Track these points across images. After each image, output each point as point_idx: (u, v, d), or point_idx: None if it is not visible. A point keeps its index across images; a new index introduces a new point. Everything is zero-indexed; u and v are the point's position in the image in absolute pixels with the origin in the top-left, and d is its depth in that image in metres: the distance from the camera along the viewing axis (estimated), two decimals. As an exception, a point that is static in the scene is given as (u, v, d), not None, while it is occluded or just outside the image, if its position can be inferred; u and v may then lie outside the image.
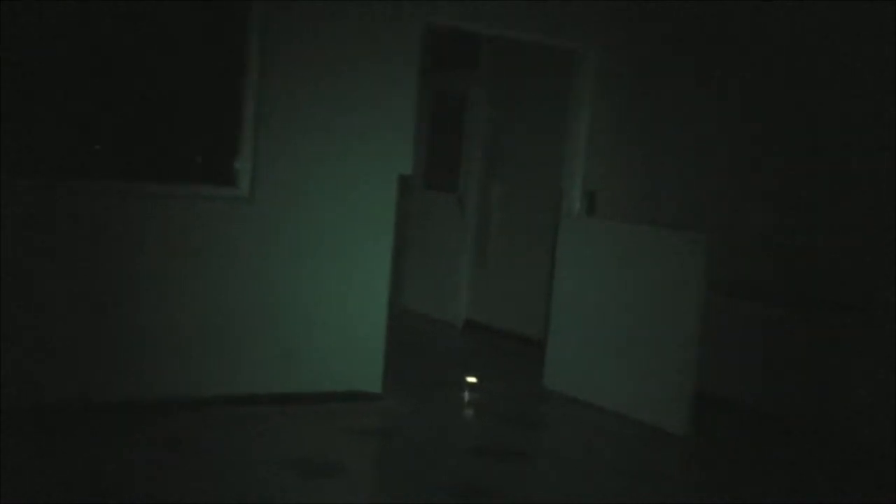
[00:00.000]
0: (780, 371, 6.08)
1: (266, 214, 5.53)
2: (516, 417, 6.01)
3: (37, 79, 4.89)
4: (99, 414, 5.05)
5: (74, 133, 5.05)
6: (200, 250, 5.36)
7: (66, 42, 4.94)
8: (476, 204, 8.86)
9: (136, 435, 4.87)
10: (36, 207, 4.91)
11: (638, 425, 5.86)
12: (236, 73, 5.41)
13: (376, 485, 4.84)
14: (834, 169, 5.88)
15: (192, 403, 5.35)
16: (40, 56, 4.89)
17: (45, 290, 4.98)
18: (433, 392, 6.45)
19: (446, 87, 9.18)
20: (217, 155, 5.46)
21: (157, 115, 5.26)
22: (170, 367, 5.32)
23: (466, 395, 6.49)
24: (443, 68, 9.03)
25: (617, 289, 6.15)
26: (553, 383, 6.62)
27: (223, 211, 5.42)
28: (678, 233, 5.85)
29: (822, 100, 5.97)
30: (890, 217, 5.54)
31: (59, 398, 5.01)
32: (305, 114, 5.59)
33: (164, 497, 4.08)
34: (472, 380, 6.73)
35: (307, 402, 5.68)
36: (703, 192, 6.73)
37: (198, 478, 4.38)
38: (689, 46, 6.86)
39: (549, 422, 6.23)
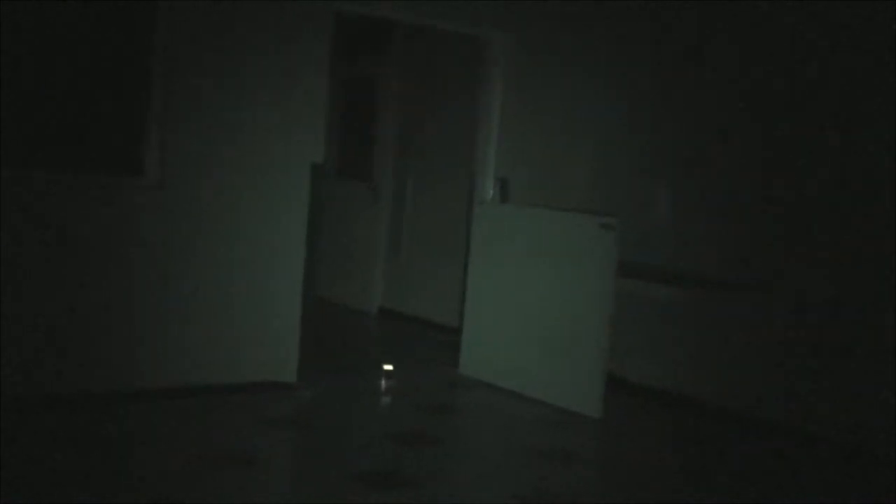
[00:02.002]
0: (688, 352, 6.21)
1: (176, 203, 5.44)
2: (431, 404, 6.02)
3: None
4: (5, 408, 4.92)
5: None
6: (110, 240, 5.25)
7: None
8: (390, 192, 8.85)
9: (42, 429, 4.75)
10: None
11: (552, 409, 5.93)
12: (143, 60, 5.31)
13: (291, 474, 4.81)
14: (739, 153, 6.01)
15: (101, 397, 5.24)
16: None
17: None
18: (348, 380, 6.44)
19: (359, 74, 9.14)
20: (126, 145, 5.34)
21: (63, 105, 5.12)
22: (78, 359, 5.20)
23: (381, 383, 6.49)
24: (354, 54, 8.99)
25: (530, 274, 6.21)
26: (468, 370, 6.66)
27: (132, 200, 5.31)
28: (589, 218, 5.92)
29: (730, 85, 6.09)
30: (792, 198, 5.69)
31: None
32: (214, 101, 5.51)
33: (73, 493, 3.99)
34: (387, 367, 6.72)
35: (221, 393, 5.62)
36: (614, 177, 6.82)
37: (108, 472, 4.30)
38: (598, 32, 6.94)
39: (464, 408, 6.26)
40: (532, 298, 6.19)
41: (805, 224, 5.61)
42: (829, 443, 5.39)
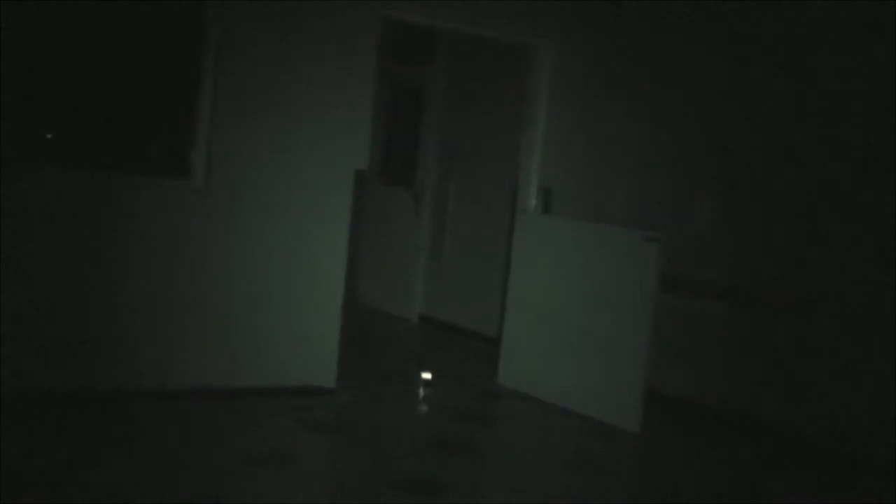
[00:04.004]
0: (732, 368, 6.15)
1: (221, 207, 5.49)
2: (469, 413, 6.02)
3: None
4: (50, 404, 4.99)
5: (29, 122, 4.97)
6: (155, 242, 5.31)
7: (20, 33, 4.87)
8: (432, 200, 8.87)
9: (85, 428, 4.81)
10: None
11: (590, 422, 5.90)
12: (192, 65, 5.37)
13: (328, 478, 4.82)
14: (786, 167, 5.95)
15: (143, 397, 5.30)
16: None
17: (-7, 281, 4.92)
18: (387, 387, 6.45)
19: (403, 81, 9.17)
20: (172, 147, 5.40)
21: (112, 106, 5.19)
22: (122, 359, 5.27)
23: (420, 391, 6.49)
24: (400, 63, 9.02)
25: (571, 286, 6.19)
26: (507, 380, 6.64)
27: (178, 203, 5.37)
28: (633, 231, 5.89)
29: (779, 104, 6.04)
30: (839, 214, 5.63)
31: (11, 388, 4.94)
32: (261, 107, 5.55)
33: (115, 492, 4.03)
34: (426, 375, 6.73)
35: (261, 397, 5.65)
36: (658, 190, 6.78)
37: (149, 472, 4.34)
38: (644, 43, 6.91)
39: (502, 418, 6.25)
40: (572, 310, 6.16)
41: (848, 241, 5.54)
42: (875, 461, 5.31)
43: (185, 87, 5.37)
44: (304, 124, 5.69)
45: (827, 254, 5.67)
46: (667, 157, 6.75)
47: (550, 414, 6.08)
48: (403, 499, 4.34)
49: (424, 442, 5.27)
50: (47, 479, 4.06)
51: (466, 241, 8.48)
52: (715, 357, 6.26)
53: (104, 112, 5.17)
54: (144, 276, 5.30)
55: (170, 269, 5.37)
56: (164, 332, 5.38)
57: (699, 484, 5.03)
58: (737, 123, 6.29)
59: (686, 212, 6.54)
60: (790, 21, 5.96)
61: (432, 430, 5.67)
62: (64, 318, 5.10)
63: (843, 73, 5.67)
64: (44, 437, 4.59)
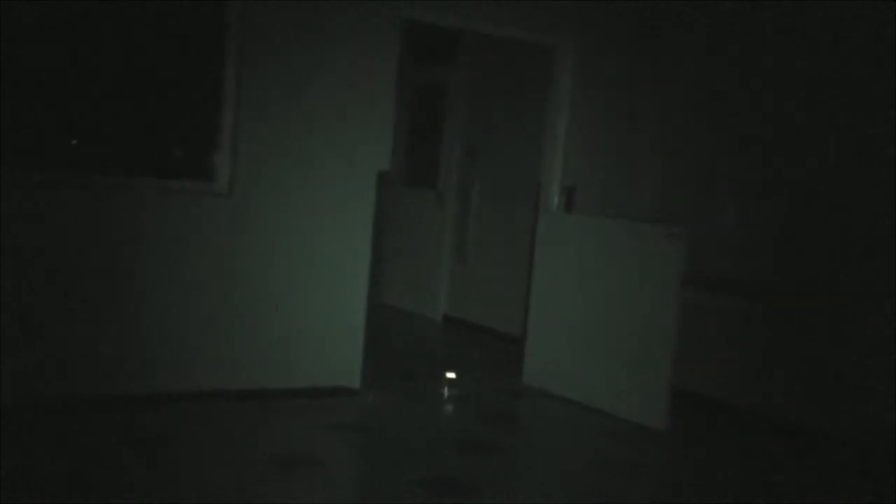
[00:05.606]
0: (757, 366, 6.11)
1: (244, 209, 5.51)
2: (494, 413, 6.01)
3: (13, 75, 4.84)
4: (76, 409, 5.03)
5: (53, 127, 5.01)
6: (178, 245, 5.34)
7: (44, 37, 4.91)
8: (455, 199, 8.86)
9: (111, 431, 4.84)
10: (14, 200, 4.87)
11: (616, 420, 5.88)
12: (215, 68, 5.39)
13: (354, 480, 4.83)
14: (814, 163, 5.91)
15: (168, 399, 5.33)
16: (18, 51, 4.84)
17: (20, 284, 4.94)
18: (411, 387, 6.45)
19: (425, 81, 9.17)
20: (196, 150, 5.43)
21: (136, 110, 5.22)
22: (147, 362, 5.30)
23: (445, 391, 6.49)
24: (422, 63, 9.02)
25: (595, 284, 6.17)
26: (532, 379, 6.63)
27: (202, 206, 5.39)
28: (656, 227, 5.86)
29: (800, 97, 6.00)
30: (866, 208, 5.58)
31: (35, 393, 4.98)
32: (283, 109, 5.57)
33: (141, 494, 4.06)
34: (450, 375, 6.73)
35: (285, 398, 5.67)
36: (681, 188, 6.75)
37: (176, 474, 4.37)
38: (667, 41, 6.88)
39: (527, 417, 6.24)
40: (597, 308, 6.14)
41: (877, 238, 5.49)
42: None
43: (207, 90, 5.39)
44: (326, 125, 5.70)
45: (854, 251, 5.63)
46: (690, 154, 6.72)
47: (576, 413, 6.06)
48: (429, 499, 4.34)
49: (450, 442, 5.27)
50: (73, 481, 4.10)
51: (490, 241, 8.47)
52: (739, 354, 6.21)
53: (127, 116, 5.20)
54: (169, 280, 5.33)
55: (194, 271, 5.40)
56: (187, 334, 5.41)
57: (729, 483, 4.99)
58: (762, 119, 6.24)
59: (710, 209, 6.51)
60: (814, 14, 5.92)
61: (458, 430, 5.66)
62: (90, 321, 5.13)
63: (873, 66, 5.62)
64: (69, 442, 4.63)
